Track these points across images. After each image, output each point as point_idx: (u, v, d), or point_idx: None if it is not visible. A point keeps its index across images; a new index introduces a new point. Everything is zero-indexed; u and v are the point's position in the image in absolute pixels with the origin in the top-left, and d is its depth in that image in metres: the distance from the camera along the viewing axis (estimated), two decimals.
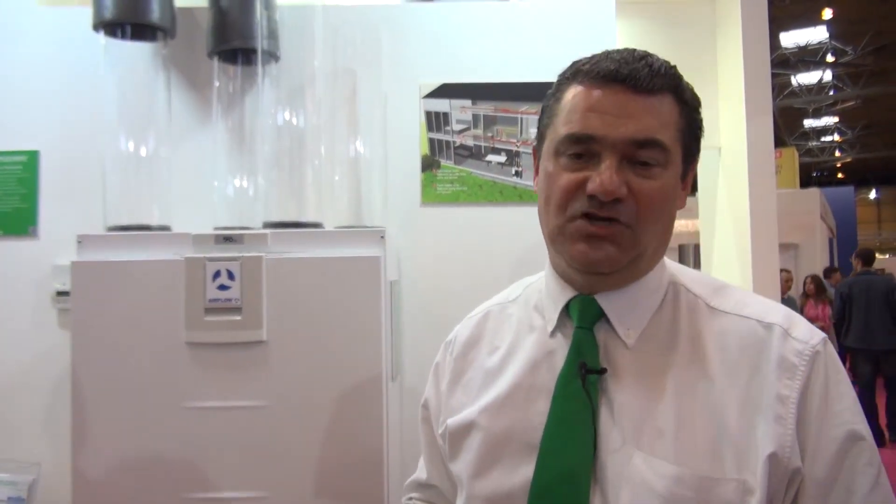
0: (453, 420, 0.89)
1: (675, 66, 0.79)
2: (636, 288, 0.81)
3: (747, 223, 2.90)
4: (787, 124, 14.83)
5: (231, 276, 1.37)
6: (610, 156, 0.74)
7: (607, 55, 0.78)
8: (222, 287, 1.37)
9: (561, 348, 0.82)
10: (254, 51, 1.58)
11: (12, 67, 1.73)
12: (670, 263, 0.87)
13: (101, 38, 1.56)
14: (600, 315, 0.81)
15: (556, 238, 0.80)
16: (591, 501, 0.74)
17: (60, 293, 1.66)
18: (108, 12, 1.51)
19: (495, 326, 0.93)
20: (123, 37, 1.57)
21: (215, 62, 1.64)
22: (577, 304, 0.82)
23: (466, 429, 0.86)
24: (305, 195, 1.57)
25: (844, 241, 11.13)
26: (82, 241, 1.43)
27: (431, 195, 1.73)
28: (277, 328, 1.38)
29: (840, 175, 20.31)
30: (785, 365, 0.74)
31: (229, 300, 1.37)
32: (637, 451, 0.73)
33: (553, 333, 0.84)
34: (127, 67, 1.59)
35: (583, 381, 0.77)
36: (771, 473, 0.70)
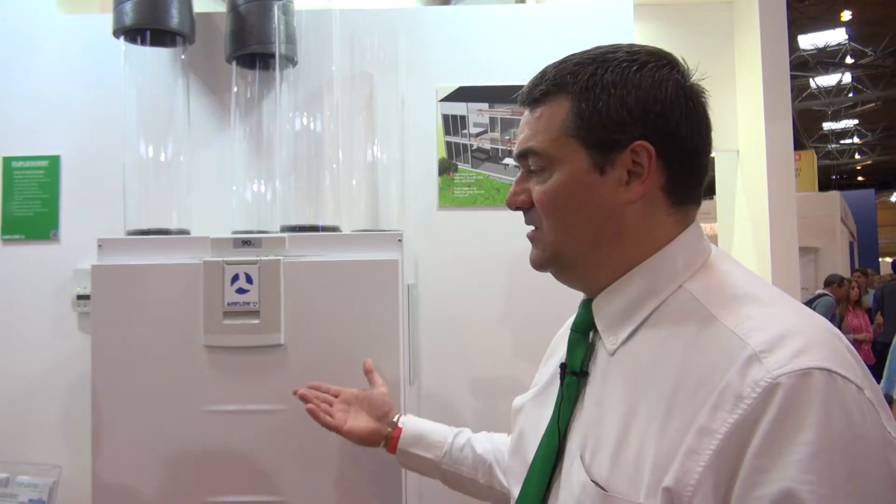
0: (517, 398, 1.00)
1: (583, 62, 0.78)
2: (619, 292, 0.78)
3: (766, 227, 2.88)
4: (806, 127, 14.69)
5: (249, 279, 1.37)
6: (520, 170, 0.85)
7: None
8: (240, 290, 1.37)
9: None
10: (271, 55, 1.59)
11: (34, 74, 1.76)
12: (710, 262, 0.78)
13: (122, 44, 1.58)
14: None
15: None
16: (549, 494, 0.81)
17: (81, 297, 1.67)
18: (128, 19, 1.52)
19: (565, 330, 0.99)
20: (143, 43, 1.58)
21: (233, 67, 1.65)
22: (580, 308, 0.87)
23: (518, 411, 0.98)
24: (323, 199, 1.58)
25: (865, 244, 10.99)
26: (102, 244, 1.44)
27: (448, 199, 1.73)
28: (295, 332, 1.38)
29: (860, 178, 20.08)
30: (728, 395, 0.62)
31: (247, 304, 1.37)
32: (577, 459, 0.76)
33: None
34: (147, 73, 1.61)
35: (561, 381, 0.84)
36: None
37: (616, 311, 0.79)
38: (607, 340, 0.79)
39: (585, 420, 0.78)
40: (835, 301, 5.75)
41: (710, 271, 0.77)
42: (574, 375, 0.81)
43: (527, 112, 0.84)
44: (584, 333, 0.83)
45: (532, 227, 0.86)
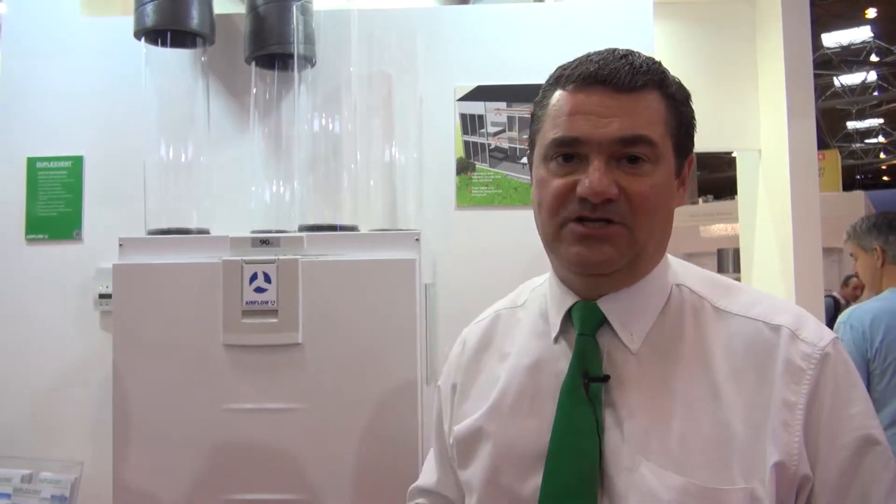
0: (460, 427, 0.89)
1: (659, 62, 0.78)
2: (638, 291, 0.80)
3: (789, 228, 2.84)
4: (829, 126, 14.48)
5: (267, 278, 1.38)
6: (598, 157, 0.74)
7: (588, 58, 0.78)
8: (259, 290, 1.38)
9: (564, 355, 0.82)
10: (290, 56, 1.59)
11: (58, 76, 1.78)
12: (675, 263, 0.85)
13: (143, 45, 1.60)
14: (602, 321, 0.80)
15: (553, 244, 0.80)
16: None
17: (103, 296, 1.69)
18: (149, 20, 1.54)
19: (504, 331, 0.92)
20: (164, 44, 1.60)
21: (253, 68, 1.66)
22: (579, 310, 0.81)
23: (475, 436, 0.86)
24: (341, 199, 1.58)
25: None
26: (123, 244, 1.46)
27: (466, 198, 1.73)
28: (313, 331, 1.39)
29: (885, 178, 19.77)
30: (791, 369, 0.72)
31: (266, 303, 1.38)
32: (644, 462, 0.72)
33: (557, 339, 0.84)
34: (167, 74, 1.63)
35: (586, 389, 0.76)
36: (778, 481, 0.69)
37: (632, 310, 0.79)
38: (626, 339, 0.78)
39: (634, 424, 0.74)
40: (834, 303, 5.66)
41: (680, 267, 0.84)
42: (598, 381, 0.77)
43: (617, 95, 0.74)
44: (592, 336, 0.80)
45: (599, 222, 0.74)
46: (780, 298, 0.80)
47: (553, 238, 0.79)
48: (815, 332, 0.74)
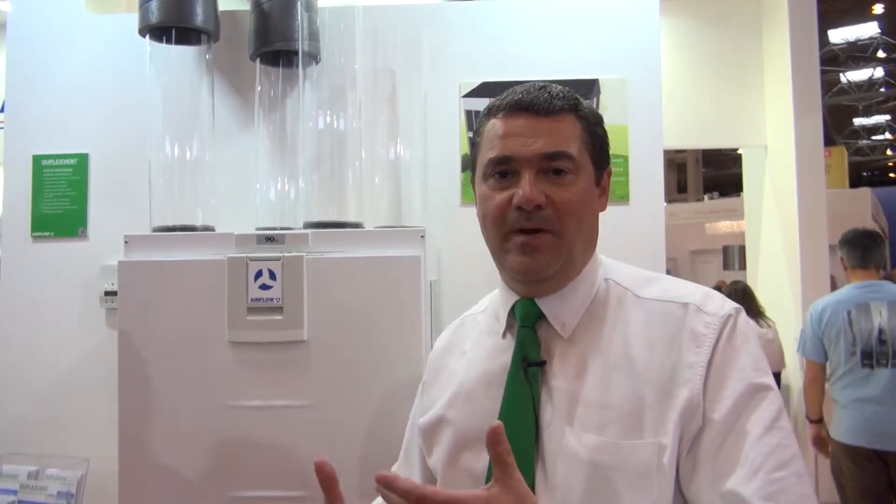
0: (424, 419, 1.00)
1: (573, 91, 0.93)
2: (570, 289, 0.91)
3: (796, 224, 2.83)
4: (836, 123, 14.42)
5: (272, 275, 1.38)
6: (527, 171, 0.86)
7: (514, 90, 0.92)
8: (264, 286, 1.38)
9: (510, 347, 0.93)
10: (295, 52, 1.59)
11: (63, 73, 1.78)
12: (606, 261, 0.97)
13: (147, 42, 1.60)
14: (540, 315, 0.91)
15: (498, 253, 0.91)
16: (536, 476, 0.85)
17: (108, 293, 1.70)
18: (154, 17, 1.54)
19: (466, 333, 1.05)
20: (168, 41, 1.60)
21: (257, 65, 1.66)
22: (520, 308, 0.93)
23: (437, 425, 0.97)
24: (346, 196, 1.58)
25: None
26: (129, 241, 1.46)
27: (471, 195, 1.71)
28: (318, 328, 1.39)
29: (892, 174, 19.68)
30: (694, 336, 0.83)
31: (271, 300, 1.38)
32: (568, 428, 0.84)
33: (504, 334, 0.96)
34: (172, 71, 1.63)
35: (525, 372, 0.88)
36: (682, 431, 0.79)
37: (564, 305, 0.91)
38: (559, 329, 0.90)
39: (562, 397, 0.86)
40: None
41: (611, 264, 0.97)
42: (536, 366, 0.88)
43: (539, 119, 0.88)
44: (532, 328, 0.91)
45: (533, 233, 0.86)
46: (696, 285, 0.92)
47: (499, 249, 0.91)
48: (719, 305, 0.86)
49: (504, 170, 0.88)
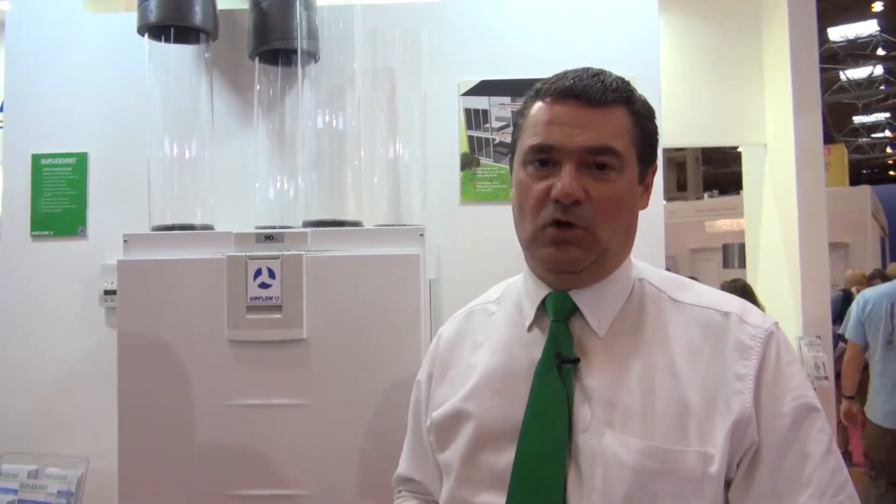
0: (438, 413, 0.95)
1: (627, 81, 0.88)
2: (605, 284, 0.89)
3: (795, 222, 2.83)
4: (835, 120, 14.42)
5: (272, 274, 1.38)
6: (569, 163, 0.83)
7: (565, 74, 0.88)
8: (263, 285, 1.38)
9: (538, 341, 0.90)
10: (294, 51, 1.59)
11: (62, 72, 1.78)
12: (638, 262, 0.95)
13: (146, 41, 1.60)
14: (574, 309, 0.89)
15: (531, 244, 0.88)
16: (568, 478, 0.82)
17: (108, 292, 1.70)
18: (153, 16, 1.54)
19: (477, 324, 1.01)
20: (167, 40, 1.60)
21: (256, 63, 1.66)
22: (553, 300, 0.90)
23: (455, 417, 0.93)
24: (345, 195, 1.58)
25: None
26: (128, 240, 1.46)
27: (471, 193, 1.72)
28: (317, 326, 1.39)
29: (892, 172, 19.68)
30: (741, 347, 0.82)
31: (270, 298, 1.38)
32: (608, 430, 0.81)
33: (531, 328, 0.92)
34: (171, 70, 1.62)
35: (558, 369, 0.85)
36: (731, 444, 0.78)
37: (600, 300, 0.89)
38: (594, 325, 0.88)
39: (600, 398, 0.83)
40: (844, 296, 5.65)
41: (641, 265, 0.95)
42: (569, 363, 0.85)
43: (588, 109, 0.84)
44: (564, 322, 0.88)
45: (567, 226, 0.83)
46: (724, 293, 0.91)
47: (532, 239, 0.87)
48: (760, 317, 0.85)
49: (545, 158, 0.85)
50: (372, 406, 1.37)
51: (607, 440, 0.80)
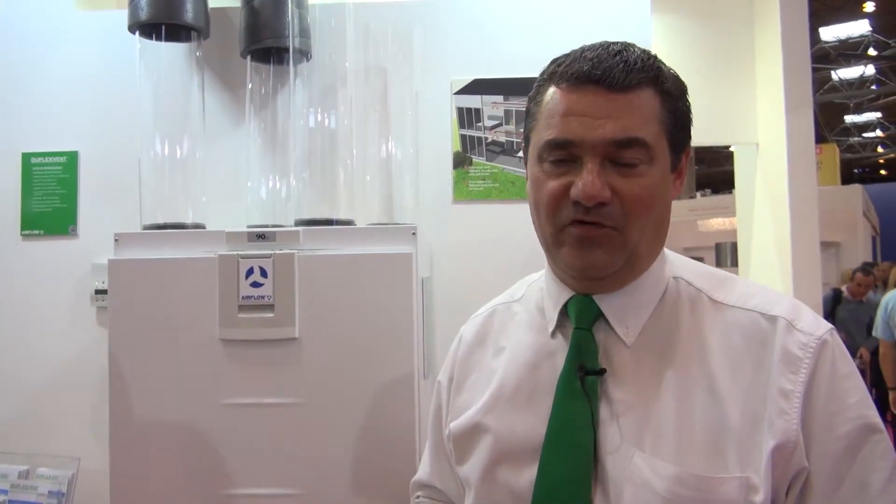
0: (457, 423, 0.88)
1: (654, 56, 0.77)
2: (634, 286, 0.80)
3: (787, 221, 2.84)
4: (827, 120, 14.48)
5: (264, 273, 1.38)
6: (591, 159, 0.72)
7: (582, 54, 0.76)
8: (255, 284, 1.38)
9: (561, 349, 0.82)
10: (286, 50, 1.59)
11: (52, 70, 1.77)
12: (671, 256, 0.85)
13: (137, 39, 1.59)
14: (598, 315, 0.80)
15: (551, 245, 0.79)
16: (594, 502, 0.73)
17: (99, 291, 1.69)
18: (144, 13, 1.53)
19: (500, 326, 0.92)
20: (158, 38, 1.59)
21: (248, 62, 1.65)
22: (575, 305, 0.81)
23: (473, 431, 0.86)
24: (337, 194, 1.58)
25: (888, 238, 10.83)
26: (119, 239, 1.45)
27: (463, 192, 1.72)
28: (310, 325, 1.38)
29: (883, 171, 19.78)
30: (788, 358, 0.71)
31: (262, 297, 1.38)
32: (637, 452, 0.72)
33: (554, 334, 0.84)
34: (162, 69, 1.62)
35: (582, 383, 0.76)
36: (775, 470, 0.68)
37: (628, 304, 0.79)
38: (622, 333, 0.79)
39: (628, 415, 0.74)
40: (833, 295, 5.68)
41: (678, 260, 0.85)
42: (594, 375, 0.77)
43: (610, 94, 0.73)
44: (588, 330, 0.80)
45: (592, 225, 0.74)
46: (776, 291, 0.80)
47: (552, 240, 0.78)
48: (812, 321, 0.74)
49: (563, 156, 0.74)
50: (364, 404, 1.37)
51: (637, 464, 0.72)
